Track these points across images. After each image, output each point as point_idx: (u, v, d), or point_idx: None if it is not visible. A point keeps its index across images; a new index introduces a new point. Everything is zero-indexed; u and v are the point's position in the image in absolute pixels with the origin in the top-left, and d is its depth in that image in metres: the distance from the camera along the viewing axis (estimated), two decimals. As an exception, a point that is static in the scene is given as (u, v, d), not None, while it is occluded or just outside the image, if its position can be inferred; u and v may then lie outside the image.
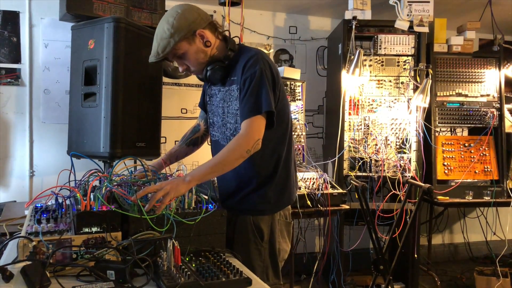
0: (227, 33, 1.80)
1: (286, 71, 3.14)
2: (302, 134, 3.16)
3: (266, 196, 1.72)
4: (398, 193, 3.12)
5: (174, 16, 1.63)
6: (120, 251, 1.25)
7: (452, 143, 3.46)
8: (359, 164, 3.21)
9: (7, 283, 1.11)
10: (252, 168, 1.70)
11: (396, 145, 3.26)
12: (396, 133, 3.27)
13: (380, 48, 3.29)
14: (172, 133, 3.48)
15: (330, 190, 2.74)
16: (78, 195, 1.35)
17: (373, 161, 3.22)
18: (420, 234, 3.39)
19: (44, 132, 3.17)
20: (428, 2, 3.18)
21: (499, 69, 3.48)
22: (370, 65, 3.28)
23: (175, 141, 3.35)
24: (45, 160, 3.17)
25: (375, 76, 3.29)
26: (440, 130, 3.56)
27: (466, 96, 3.47)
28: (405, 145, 3.24)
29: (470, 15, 3.71)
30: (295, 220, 2.62)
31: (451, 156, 3.42)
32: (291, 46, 3.88)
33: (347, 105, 3.25)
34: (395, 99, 3.29)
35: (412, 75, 3.27)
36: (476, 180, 3.37)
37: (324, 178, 2.74)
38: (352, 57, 3.15)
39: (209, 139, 1.98)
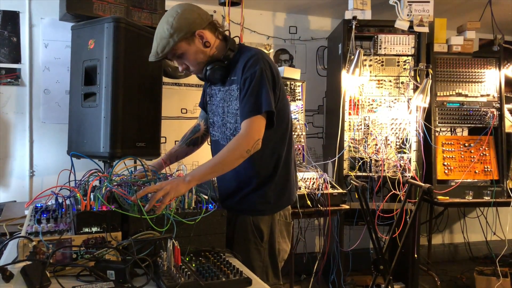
0: (227, 33, 1.80)
1: (286, 71, 3.14)
2: (302, 134, 3.16)
3: (266, 196, 1.72)
4: (398, 193, 3.12)
5: (174, 16, 1.64)
6: (120, 251, 1.25)
7: (452, 143, 3.46)
8: (359, 164, 3.21)
9: (7, 283, 1.11)
10: (252, 168, 1.70)
11: (396, 145, 3.26)
12: (396, 133, 3.27)
13: (380, 48, 3.29)
14: (172, 133, 3.48)
15: (330, 190, 2.73)
16: (78, 195, 1.35)
17: (373, 161, 3.22)
18: (420, 234, 3.39)
19: (44, 132, 3.17)
20: (428, 2, 3.18)
21: (499, 69, 3.48)
22: (370, 65, 3.28)
23: (175, 141, 3.35)
24: (45, 160, 3.17)
25: (375, 76, 3.29)
26: (440, 130, 3.56)
27: (466, 96, 3.47)
28: (405, 145, 3.24)
29: (470, 15, 3.70)
30: (295, 220, 2.62)
31: (451, 156, 3.42)
32: (291, 46, 3.87)
33: (347, 105, 3.25)
34: (395, 99, 3.29)
35: (412, 75, 3.27)
36: (476, 180, 3.37)
37: (324, 178, 2.74)
38: (352, 57, 3.15)
39: (209, 139, 1.98)
